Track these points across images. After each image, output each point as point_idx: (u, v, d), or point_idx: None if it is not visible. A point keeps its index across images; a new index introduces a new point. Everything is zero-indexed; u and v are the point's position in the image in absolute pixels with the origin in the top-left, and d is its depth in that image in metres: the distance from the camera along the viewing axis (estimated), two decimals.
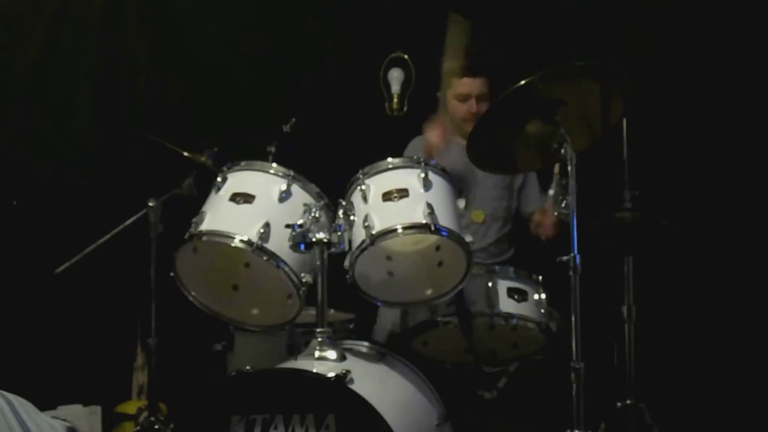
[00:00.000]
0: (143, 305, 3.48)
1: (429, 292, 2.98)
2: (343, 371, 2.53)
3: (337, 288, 2.87)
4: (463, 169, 3.37)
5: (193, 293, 2.98)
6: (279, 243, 2.80)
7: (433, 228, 2.78)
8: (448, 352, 3.23)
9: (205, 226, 2.86)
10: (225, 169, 2.99)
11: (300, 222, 2.78)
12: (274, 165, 2.97)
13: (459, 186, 3.01)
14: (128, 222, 3.52)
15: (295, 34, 4.32)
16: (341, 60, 4.23)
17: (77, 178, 4.19)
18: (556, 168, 2.89)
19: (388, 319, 3.48)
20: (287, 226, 2.78)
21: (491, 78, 3.65)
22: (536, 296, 3.17)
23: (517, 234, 3.77)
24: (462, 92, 3.64)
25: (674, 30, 3.91)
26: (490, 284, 3.12)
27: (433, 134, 3.51)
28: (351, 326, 3.34)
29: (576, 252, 2.74)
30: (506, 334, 3.17)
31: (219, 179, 2.96)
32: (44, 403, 2.35)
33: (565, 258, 2.76)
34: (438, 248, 2.97)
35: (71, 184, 4.17)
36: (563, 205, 2.84)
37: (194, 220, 2.90)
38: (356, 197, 2.92)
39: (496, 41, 3.93)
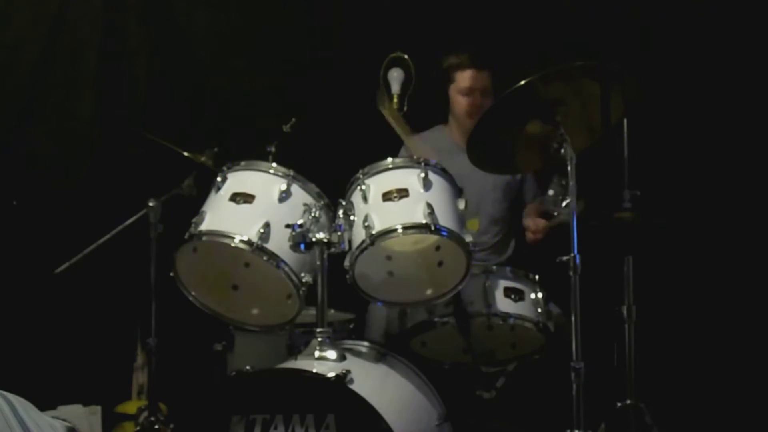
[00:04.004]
0: (143, 305, 3.48)
1: (429, 292, 2.99)
2: (343, 371, 2.53)
3: (337, 288, 2.87)
4: (469, 176, 3.37)
5: (193, 293, 2.99)
6: (279, 243, 2.81)
7: (433, 228, 2.78)
8: (446, 353, 3.23)
9: (205, 226, 2.87)
10: (225, 169, 3.00)
11: (300, 222, 2.78)
12: (274, 165, 2.97)
13: (460, 186, 3.01)
14: (128, 222, 3.52)
15: (295, 34, 4.31)
16: (341, 60, 4.23)
17: (77, 178, 4.19)
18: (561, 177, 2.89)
19: (381, 319, 3.47)
20: (287, 226, 2.79)
21: (494, 73, 3.64)
22: (533, 295, 3.17)
23: (517, 233, 3.77)
24: (465, 85, 3.63)
25: (674, 30, 3.91)
26: (487, 284, 3.12)
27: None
28: (351, 326, 3.34)
29: (576, 252, 2.75)
30: (504, 333, 3.17)
31: (219, 179, 2.96)
32: (44, 403, 2.35)
33: (565, 258, 2.76)
34: (438, 248, 2.97)
35: (71, 184, 4.17)
36: (563, 205, 2.84)
37: (194, 220, 2.90)
38: (356, 197, 2.92)
39: (498, 41, 3.93)
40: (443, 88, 3.71)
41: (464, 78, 3.64)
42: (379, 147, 3.15)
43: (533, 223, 3.58)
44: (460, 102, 3.66)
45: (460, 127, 3.69)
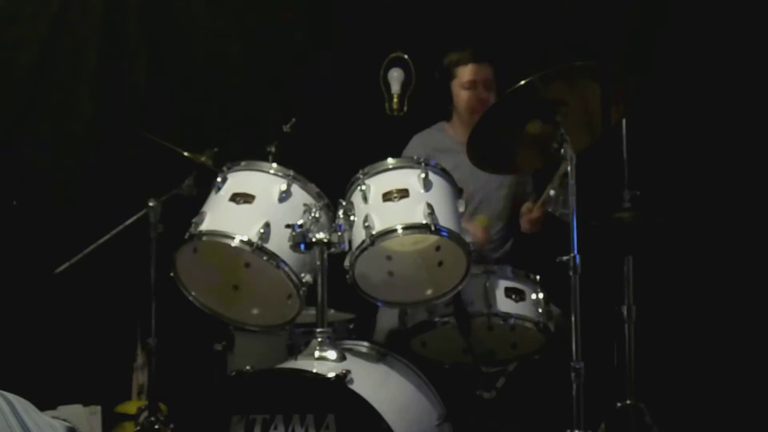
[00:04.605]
0: (143, 305, 3.48)
1: (429, 292, 2.98)
2: (343, 371, 2.53)
3: (337, 288, 2.87)
4: (472, 174, 3.36)
5: (193, 293, 2.99)
6: (279, 243, 2.81)
7: (433, 228, 2.78)
8: (446, 353, 3.23)
9: (205, 226, 2.87)
10: (225, 169, 3.00)
11: (300, 222, 2.78)
12: (274, 165, 2.97)
13: (459, 186, 3.01)
14: (128, 222, 3.52)
15: (295, 34, 4.31)
16: (341, 60, 4.23)
17: (77, 178, 4.19)
18: (562, 169, 2.89)
19: (386, 320, 3.48)
20: (287, 226, 2.78)
21: (495, 67, 3.64)
22: (534, 296, 3.17)
23: (517, 233, 3.76)
24: (467, 79, 3.63)
25: (674, 30, 3.91)
26: (487, 284, 3.12)
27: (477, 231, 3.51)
28: (351, 326, 3.34)
29: (576, 252, 2.74)
30: (504, 334, 3.17)
31: (219, 179, 2.96)
32: (44, 403, 2.35)
33: (565, 258, 2.76)
34: (438, 248, 2.97)
35: (71, 184, 4.17)
36: (564, 204, 2.84)
37: (194, 220, 2.90)
38: (356, 197, 2.92)
39: (498, 40, 3.93)
40: (446, 86, 3.71)
41: (465, 72, 3.64)
42: (379, 147, 3.15)
43: (526, 207, 3.57)
44: (462, 97, 3.66)
45: (463, 124, 3.68)
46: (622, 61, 2.99)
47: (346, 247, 2.82)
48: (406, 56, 3.23)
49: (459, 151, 3.46)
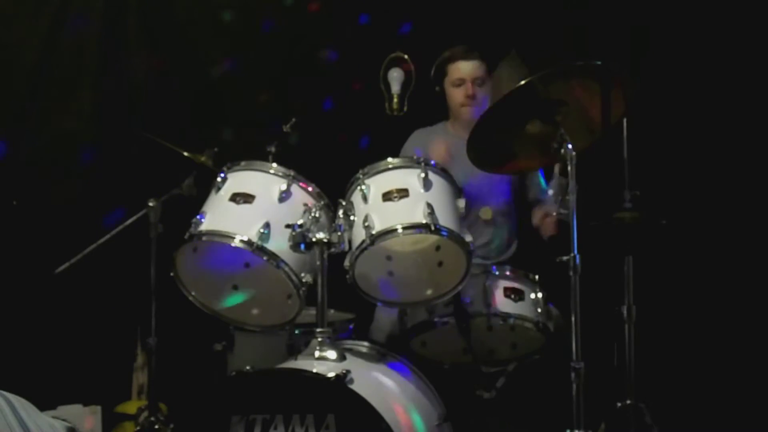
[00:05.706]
0: (143, 305, 3.48)
1: (429, 292, 2.99)
2: (343, 371, 2.54)
3: (337, 288, 2.87)
4: (474, 167, 3.36)
5: (193, 293, 2.99)
6: (279, 243, 2.81)
7: (433, 228, 2.78)
8: (446, 353, 3.23)
9: (205, 226, 2.87)
10: (225, 169, 3.00)
11: (300, 222, 2.78)
12: (274, 165, 2.97)
13: (460, 186, 3.01)
14: (128, 222, 3.52)
15: (295, 34, 4.31)
16: (341, 59, 4.23)
17: (77, 178, 4.18)
18: (557, 168, 2.89)
19: (385, 319, 3.48)
20: (287, 226, 2.79)
21: (487, 62, 3.65)
22: (533, 295, 3.17)
23: (520, 234, 3.76)
24: (457, 76, 3.64)
25: (674, 30, 3.91)
26: (487, 284, 3.12)
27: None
28: (351, 326, 3.34)
29: (576, 252, 2.74)
30: (504, 333, 3.18)
31: (219, 179, 2.96)
32: (44, 403, 2.35)
33: (565, 258, 2.76)
34: (438, 248, 2.97)
35: (71, 183, 4.17)
36: (563, 204, 2.84)
37: (194, 220, 2.90)
38: (356, 197, 2.92)
39: (498, 41, 3.93)
40: (441, 86, 3.71)
41: (455, 70, 3.65)
42: (380, 147, 3.16)
43: (540, 218, 3.56)
44: (454, 94, 3.67)
45: (459, 121, 3.69)
46: (622, 61, 2.98)
47: (346, 247, 2.82)
48: (406, 56, 3.23)
49: (461, 146, 3.45)
